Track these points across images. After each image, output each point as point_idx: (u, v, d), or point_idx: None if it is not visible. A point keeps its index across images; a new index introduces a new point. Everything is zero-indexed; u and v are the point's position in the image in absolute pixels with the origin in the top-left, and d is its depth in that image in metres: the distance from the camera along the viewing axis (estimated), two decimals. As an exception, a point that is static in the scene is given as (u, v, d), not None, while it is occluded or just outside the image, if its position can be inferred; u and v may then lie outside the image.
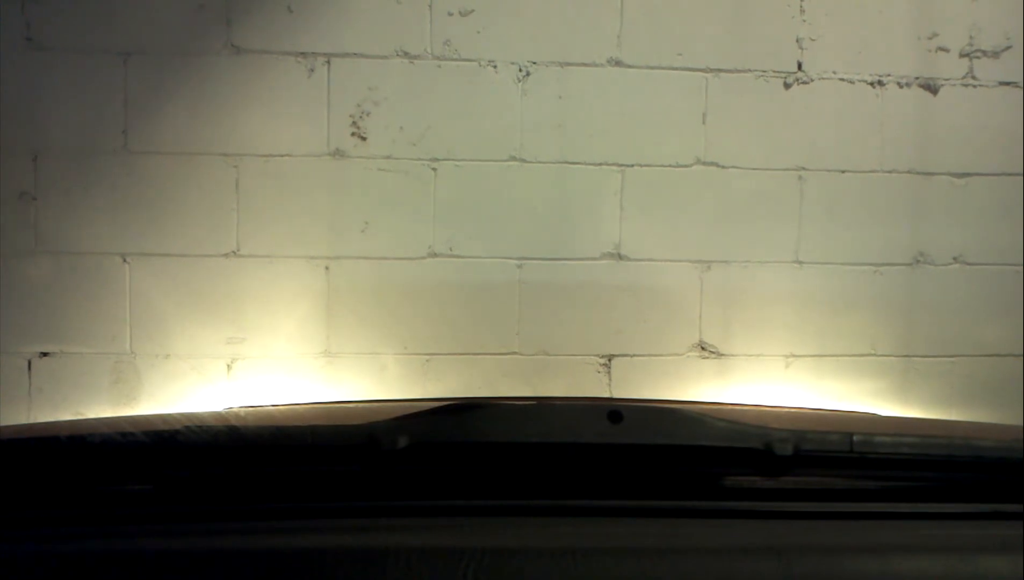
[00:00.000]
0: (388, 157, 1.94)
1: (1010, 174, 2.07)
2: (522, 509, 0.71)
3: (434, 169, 1.95)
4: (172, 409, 1.91)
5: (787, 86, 2.01)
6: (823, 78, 2.02)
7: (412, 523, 0.68)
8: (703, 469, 0.77)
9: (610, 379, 1.99)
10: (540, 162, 1.96)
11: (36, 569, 0.63)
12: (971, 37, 2.04)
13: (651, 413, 0.82)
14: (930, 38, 2.04)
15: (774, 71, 2.01)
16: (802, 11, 2.00)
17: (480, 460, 0.76)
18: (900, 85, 2.03)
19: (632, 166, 1.98)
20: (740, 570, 0.63)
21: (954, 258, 2.07)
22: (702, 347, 2.02)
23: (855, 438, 0.75)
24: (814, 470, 0.77)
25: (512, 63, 1.95)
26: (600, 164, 1.98)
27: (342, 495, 0.75)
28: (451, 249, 1.96)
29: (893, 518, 0.72)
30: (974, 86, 2.05)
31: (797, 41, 2.01)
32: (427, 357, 1.95)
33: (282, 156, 1.92)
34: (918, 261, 2.06)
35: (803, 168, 2.02)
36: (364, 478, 0.75)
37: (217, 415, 0.81)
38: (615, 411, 0.74)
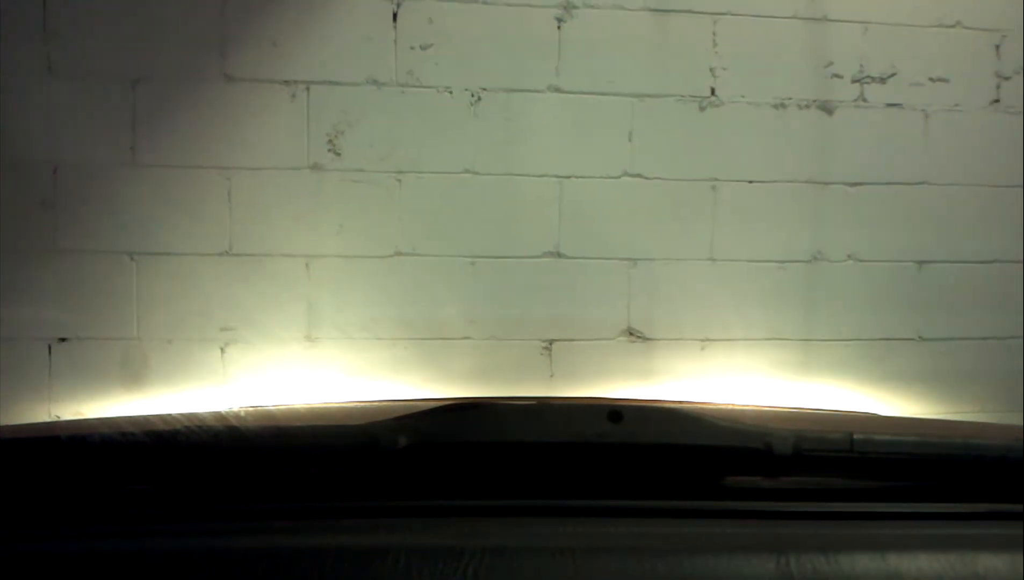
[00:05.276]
0: (360, 170, 2.01)
1: (897, 183, 2.19)
2: (522, 509, 0.68)
3: (399, 180, 2.03)
4: (174, 390, 1.97)
5: (702, 109, 2.11)
6: (733, 101, 2.12)
7: (412, 523, 0.65)
8: (703, 469, 0.74)
9: (551, 360, 2.09)
10: (490, 174, 2.05)
11: (36, 569, 0.60)
12: (861, 66, 2.16)
13: (651, 413, 0.79)
14: (826, 66, 2.15)
15: (691, 96, 2.10)
16: (715, 44, 2.11)
17: (480, 460, 0.73)
18: (800, 107, 2.14)
19: (569, 178, 2.08)
20: (740, 570, 0.60)
21: (848, 256, 2.17)
22: (630, 333, 2.12)
23: (855, 438, 0.73)
24: (814, 470, 0.74)
25: (466, 89, 2.03)
26: (541, 176, 2.07)
27: (342, 495, 0.72)
28: (414, 249, 2.04)
29: (893, 518, 0.69)
30: (865, 107, 2.16)
31: (711, 70, 2.11)
32: (394, 341, 2.04)
33: (268, 169, 1.99)
34: (816, 258, 2.16)
35: (716, 179, 2.12)
36: (364, 478, 0.72)
37: (217, 415, 0.77)
38: (615, 411, 0.72)
